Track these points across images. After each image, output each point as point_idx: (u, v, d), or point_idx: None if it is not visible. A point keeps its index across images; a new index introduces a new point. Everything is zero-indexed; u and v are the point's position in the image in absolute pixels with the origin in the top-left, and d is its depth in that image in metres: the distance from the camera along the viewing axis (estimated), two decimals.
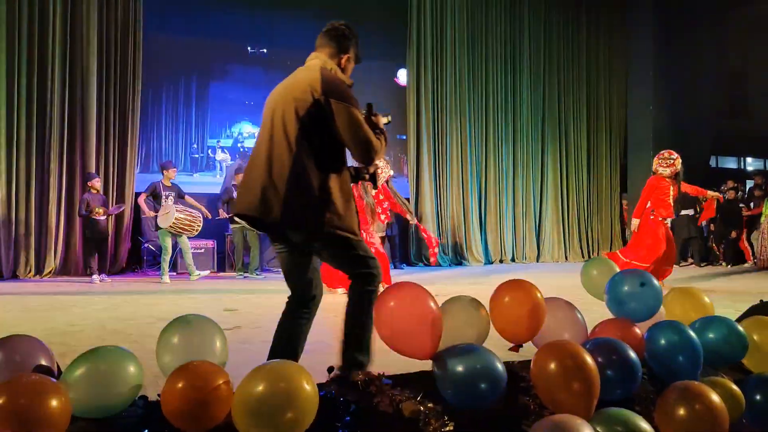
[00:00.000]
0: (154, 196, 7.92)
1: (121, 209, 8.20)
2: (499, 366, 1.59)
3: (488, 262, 11.29)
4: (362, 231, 7.44)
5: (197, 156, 10.10)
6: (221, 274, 8.96)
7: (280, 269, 2.48)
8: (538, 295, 1.78)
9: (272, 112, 2.28)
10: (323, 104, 2.21)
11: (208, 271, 7.89)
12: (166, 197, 7.86)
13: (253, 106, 10.56)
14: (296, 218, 2.19)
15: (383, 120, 2.59)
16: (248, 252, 8.63)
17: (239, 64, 10.41)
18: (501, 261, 11.51)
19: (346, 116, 2.25)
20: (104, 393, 1.37)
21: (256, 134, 10.11)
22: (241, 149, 10.49)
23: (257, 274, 8.48)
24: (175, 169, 8.20)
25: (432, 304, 1.73)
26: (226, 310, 5.10)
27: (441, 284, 7.45)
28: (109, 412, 1.39)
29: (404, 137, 11.45)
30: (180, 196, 8.08)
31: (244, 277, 8.38)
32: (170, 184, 8.02)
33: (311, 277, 2.43)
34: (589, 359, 1.54)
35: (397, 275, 8.86)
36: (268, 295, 6.36)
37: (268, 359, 2.23)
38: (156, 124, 9.86)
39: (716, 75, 13.10)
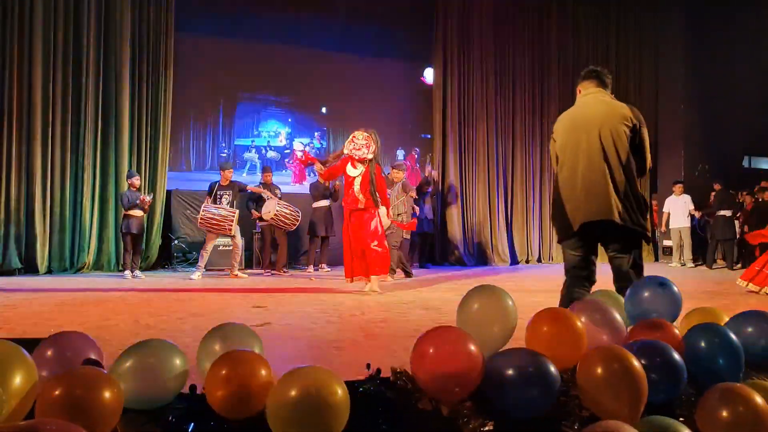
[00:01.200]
0: (211, 196, 8.07)
1: (151, 198, 8.26)
2: (553, 370, 1.57)
3: (514, 262, 11.22)
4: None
5: (224, 154, 10.23)
6: (248, 271, 9.07)
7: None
8: (579, 324, 1.74)
9: (597, 132, 2.95)
10: (638, 130, 2.98)
11: (246, 276, 8.02)
12: (221, 197, 8.01)
13: (280, 105, 10.65)
14: (630, 218, 2.90)
15: None
16: (275, 250, 8.73)
17: (267, 64, 10.50)
18: (527, 261, 11.43)
19: (646, 138, 3.02)
20: (152, 385, 1.40)
21: (282, 134, 10.42)
22: (268, 148, 10.59)
23: (284, 271, 8.58)
24: (231, 170, 8.32)
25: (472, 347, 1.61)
26: (255, 307, 5.16)
27: (466, 281, 7.43)
28: (157, 404, 1.43)
29: (428, 136, 11.43)
30: (242, 190, 8.31)
31: (272, 274, 8.47)
32: (227, 183, 8.16)
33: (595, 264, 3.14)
34: (636, 364, 1.53)
35: (422, 275, 8.87)
36: (295, 292, 6.42)
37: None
38: (184, 123, 10.01)
39: (751, 71, 12.77)
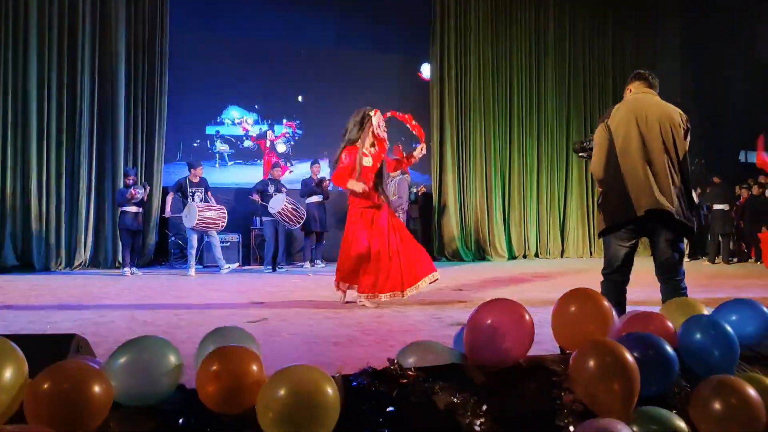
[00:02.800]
0: (182, 193, 8.01)
1: (146, 189, 8.21)
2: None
3: (511, 257, 11.23)
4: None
5: (195, 145, 10.14)
6: (246, 267, 9.06)
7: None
8: (606, 304, 1.76)
9: (658, 126, 3.08)
10: (686, 131, 3.16)
11: (237, 264, 7.99)
12: (192, 194, 7.95)
13: (240, 90, 10.47)
14: (683, 213, 3.04)
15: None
16: (278, 246, 8.73)
17: (261, 57, 10.46)
18: (524, 256, 11.44)
19: (687, 141, 3.17)
20: (146, 382, 1.40)
21: (243, 121, 10.25)
22: (245, 139, 10.46)
23: (280, 268, 8.58)
24: (201, 168, 8.27)
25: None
26: (252, 303, 5.16)
27: (464, 278, 7.44)
28: (151, 401, 1.42)
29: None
30: (207, 191, 8.17)
31: (272, 270, 8.48)
32: (197, 180, 8.10)
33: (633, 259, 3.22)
34: (629, 357, 1.53)
35: None
36: (292, 288, 6.42)
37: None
38: (182, 118, 9.94)
39: (746, 67, 12.81)
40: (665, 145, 3.07)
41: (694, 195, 3.24)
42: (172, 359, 1.46)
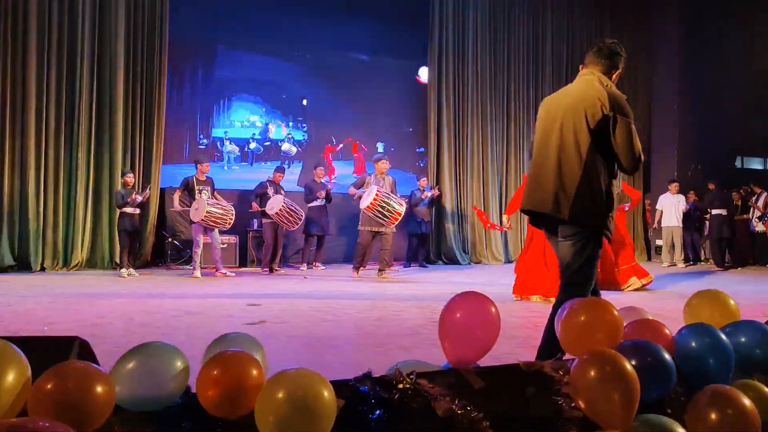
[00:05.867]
0: (189, 191, 7.96)
1: (147, 192, 8.21)
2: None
3: (508, 260, 11.25)
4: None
5: (203, 147, 10.18)
6: (243, 269, 9.06)
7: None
8: (615, 313, 1.76)
9: (561, 121, 2.60)
10: (611, 119, 2.50)
11: (234, 274, 7.95)
12: (200, 191, 7.89)
13: (268, 99, 10.60)
14: (581, 218, 2.52)
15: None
16: (279, 248, 8.71)
17: (260, 58, 10.53)
18: None
19: (626, 130, 2.51)
20: (153, 388, 1.41)
21: (256, 122, 10.36)
22: (252, 141, 10.53)
23: (278, 269, 8.59)
24: (208, 164, 8.23)
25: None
26: (250, 305, 5.16)
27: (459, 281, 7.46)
28: (157, 406, 1.43)
29: (409, 129, 11.64)
30: (213, 191, 8.10)
31: (270, 272, 8.47)
32: (204, 178, 8.05)
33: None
34: (629, 367, 1.55)
35: (416, 274, 8.88)
36: (290, 290, 6.43)
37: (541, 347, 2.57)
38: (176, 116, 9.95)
39: (744, 74, 12.88)
40: (562, 143, 2.57)
41: (613, 193, 2.58)
42: (179, 365, 1.47)
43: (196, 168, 8.06)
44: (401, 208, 7.54)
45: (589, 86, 2.62)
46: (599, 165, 2.54)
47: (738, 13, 12.44)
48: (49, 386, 1.27)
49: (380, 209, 7.38)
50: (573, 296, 2.19)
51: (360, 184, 8.10)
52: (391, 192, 7.78)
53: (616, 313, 1.75)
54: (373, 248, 8.13)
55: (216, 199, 8.03)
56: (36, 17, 8.24)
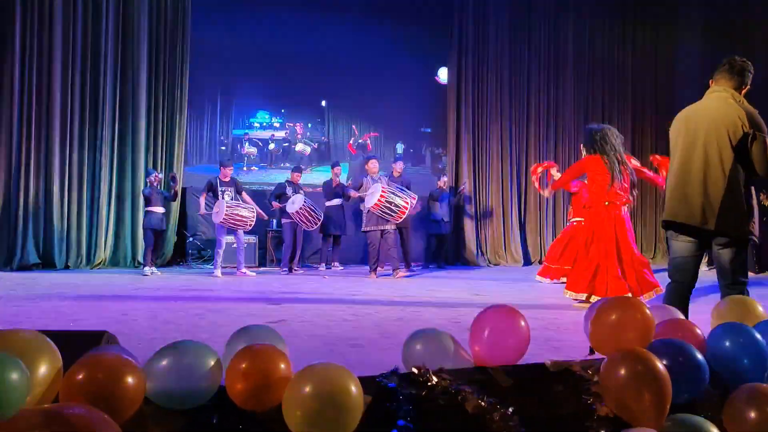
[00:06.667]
0: (213, 193, 8.01)
1: (175, 183, 8.29)
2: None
3: (527, 262, 11.16)
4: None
5: (224, 148, 10.28)
6: (263, 268, 9.11)
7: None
8: (647, 312, 1.72)
9: (704, 139, 2.91)
10: (750, 135, 2.82)
11: (254, 274, 8.02)
12: (223, 193, 7.95)
13: (272, 98, 10.66)
14: (727, 228, 2.88)
15: None
16: (296, 247, 8.76)
17: (279, 59, 10.62)
18: (540, 262, 11.34)
19: (763, 145, 2.82)
20: (186, 386, 1.42)
21: (273, 124, 10.45)
22: (271, 142, 10.61)
23: (297, 268, 8.62)
24: (232, 167, 8.29)
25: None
26: (270, 304, 5.19)
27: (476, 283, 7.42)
28: (190, 405, 1.44)
29: (428, 130, 11.59)
30: (238, 192, 8.14)
31: (289, 271, 8.51)
32: (228, 180, 8.11)
33: (697, 271, 3.14)
34: (660, 366, 1.52)
35: (435, 274, 8.85)
36: (310, 289, 6.44)
37: None
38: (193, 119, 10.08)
39: (766, 78, 12.63)
40: (708, 158, 2.88)
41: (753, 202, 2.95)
42: (213, 364, 1.48)
43: (220, 170, 8.13)
44: (407, 202, 7.61)
45: (726, 104, 2.92)
46: (740, 177, 2.86)
47: (761, 19, 12.20)
48: (80, 376, 1.29)
49: (387, 205, 7.48)
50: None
51: (358, 187, 8.15)
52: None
53: (647, 312, 1.72)
54: (383, 247, 8.16)
55: (242, 199, 8.07)
56: (61, 23, 8.39)
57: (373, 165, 8.08)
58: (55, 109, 8.36)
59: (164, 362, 1.42)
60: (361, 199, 7.92)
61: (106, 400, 1.26)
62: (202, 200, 8.11)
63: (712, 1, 12.11)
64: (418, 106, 11.48)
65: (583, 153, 5.52)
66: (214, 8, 9.85)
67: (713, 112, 2.92)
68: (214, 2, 9.86)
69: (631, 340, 1.65)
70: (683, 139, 3.00)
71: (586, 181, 6.02)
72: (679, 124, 3.08)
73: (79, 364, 1.32)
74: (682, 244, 3.06)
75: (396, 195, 7.55)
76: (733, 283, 2.95)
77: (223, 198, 7.86)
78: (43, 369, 1.31)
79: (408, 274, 7.90)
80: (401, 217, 7.63)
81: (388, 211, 7.51)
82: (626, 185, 5.12)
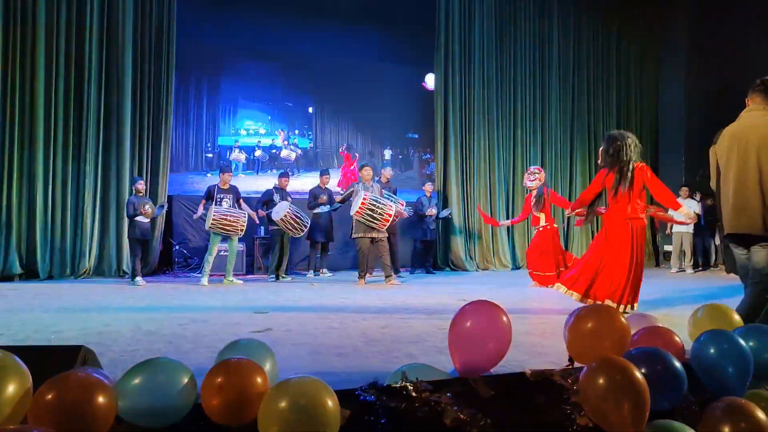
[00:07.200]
0: (211, 200, 7.90)
1: (164, 210, 8.30)
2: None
3: (515, 267, 11.19)
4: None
5: (211, 155, 10.22)
6: (250, 276, 9.06)
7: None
8: (623, 320, 1.73)
9: (756, 155, 3.22)
10: None
11: (241, 282, 7.95)
12: (221, 200, 7.88)
13: (259, 103, 10.65)
14: None
15: None
16: (283, 255, 8.70)
17: (266, 65, 10.60)
18: None
19: None
20: (159, 403, 1.40)
21: (259, 131, 10.40)
22: (257, 149, 10.58)
23: (284, 277, 8.57)
24: (230, 174, 8.20)
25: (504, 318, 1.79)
26: (256, 313, 5.15)
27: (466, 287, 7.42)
28: (164, 423, 1.42)
29: (416, 136, 11.61)
30: (237, 200, 8.05)
31: (275, 279, 8.46)
32: (227, 187, 8.04)
33: None
34: (638, 375, 1.52)
35: (423, 280, 8.85)
36: (297, 297, 6.41)
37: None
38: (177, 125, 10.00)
39: (752, 76, 12.76)
40: (761, 171, 3.20)
41: None
42: (187, 381, 1.46)
43: (220, 177, 8.10)
44: (391, 210, 7.60)
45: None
46: None
47: (747, 20, 12.36)
48: (49, 396, 1.27)
49: (369, 212, 7.47)
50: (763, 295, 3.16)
51: (347, 196, 8.12)
52: (380, 197, 7.83)
53: (623, 320, 1.73)
54: (373, 254, 8.13)
55: (239, 207, 8.02)
56: (44, 27, 8.31)
57: (366, 172, 8.04)
58: (39, 117, 8.27)
59: (136, 380, 1.39)
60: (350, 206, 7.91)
61: (76, 420, 1.24)
62: (200, 207, 8.03)
63: (695, 3, 12.25)
64: (405, 112, 11.51)
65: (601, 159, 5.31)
66: (199, 15, 9.81)
67: (762, 129, 3.25)
68: (200, 9, 9.81)
69: (608, 348, 1.66)
70: (737, 155, 3.31)
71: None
72: (731, 141, 3.38)
73: (48, 384, 1.30)
74: (744, 252, 3.40)
75: (379, 202, 7.55)
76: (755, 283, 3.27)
77: (220, 205, 7.82)
78: (10, 389, 1.28)
79: (399, 282, 7.89)
80: (385, 225, 7.63)
81: (371, 219, 7.51)
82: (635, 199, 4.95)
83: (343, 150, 11.16)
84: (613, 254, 4.92)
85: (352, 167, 11.02)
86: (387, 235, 7.92)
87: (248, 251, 9.36)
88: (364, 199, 7.48)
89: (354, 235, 7.80)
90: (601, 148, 5.17)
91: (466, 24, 11.20)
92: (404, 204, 7.98)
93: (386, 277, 7.80)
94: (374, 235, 7.65)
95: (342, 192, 8.81)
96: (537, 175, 7.77)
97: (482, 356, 1.77)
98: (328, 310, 5.29)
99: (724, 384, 1.71)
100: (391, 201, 7.81)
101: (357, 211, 7.51)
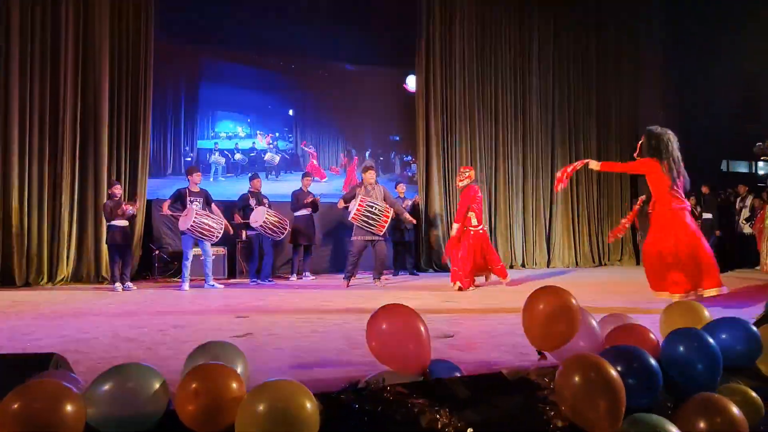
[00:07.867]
0: (180, 202, 7.74)
1: (136, 205, 8.10)
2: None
3: None
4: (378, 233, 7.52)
5: (189, 158, 10.13)
6: (231, 280, 8.99)
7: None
8: (573, 302, 1.75)
9: None
10: None
11: (222, 287, 7.86)
12: (191, 203, 7.73)
13: (238, 106, 10.60)
14: None
15: None
16: (260, 259, 8.66)
17: (245, 68, 10.54)
18: (511, 266, 11.44)
19: None
20: (129, 410, 1.38)
21: (239, 134, 10.36)
22: (237, 152, 10.53)
23: (268, 281, 8.51)
24: (199, 174, 8.03)
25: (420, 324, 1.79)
26: (237, 317, 5.11)
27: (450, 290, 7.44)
28: (135, 430, 1.40)
29: (397, 138, 11.63)
30: (207, 203, 7.92)
31: (256, 283, 8.40)
32: (198, 190, 7.89)
33: None
34: (613, 372, 1.54)
35: (405, 281, 8.85)
36: (278, 302, 6.37)
37: None
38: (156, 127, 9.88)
39: (729, 78, 13.01)
40: None
41: None
42: (158, 387, 1.44)
43: (188, 179, 7.94)
44: (388, 213, 7.59)
45: None
46: None
47: (724, 20, 12.58)
48: (15, 406, 1.24)
49: (366, 216, 7.44)
50: None
51: (349, 197, 8.06)
52: (384, 200, 7.78)
53: (573, 301, 1.76)
54: (364, 257, 8.11)
55: (211, 211, 7.90)
56: (18, 30, 8.18)
57: (369, 175, 7.96)
58: (13, 119, 8.12)
59: (106, 387, 1.37)
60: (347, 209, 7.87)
61: (43, 429, 1.21)
62: (165, 205, 7.84)
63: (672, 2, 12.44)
64: (387, 114, 11.52)
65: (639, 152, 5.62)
66: (177, 16, 9.72)
67: None
68: (177, 10, 9.72)
69: (563, 332, 1.67)
70: None
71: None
72: None
73: (14, 393, 1.27)
74: None
75: (375, 206, 7.52)
76: None
77: (191, 206, 7.68)
78: None
79: (386, 280, 7.97)
80: (382, 229, 7.59)
81: (367, 223, 7.49)
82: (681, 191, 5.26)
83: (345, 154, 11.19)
84: (691, 242, 5.07)
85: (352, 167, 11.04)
86: (384, 238, 7.88)
87: (230, 255, 9.28)
88: (361, 203, 7.46)
89: (353, 237, 7.78)
90: (640, 142, 5.48)
91: (447, 26, 11.24)
92: (390, 210, 7.86)
93: (375, 278, 7.82)
94: (373, 238, 7.64)
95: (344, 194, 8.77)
96: (467, 173, 7.68)
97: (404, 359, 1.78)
98: (310, 314, 5.26)
99: (696, 381, 1.73)
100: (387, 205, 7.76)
101: (353, 216, 7.49)
